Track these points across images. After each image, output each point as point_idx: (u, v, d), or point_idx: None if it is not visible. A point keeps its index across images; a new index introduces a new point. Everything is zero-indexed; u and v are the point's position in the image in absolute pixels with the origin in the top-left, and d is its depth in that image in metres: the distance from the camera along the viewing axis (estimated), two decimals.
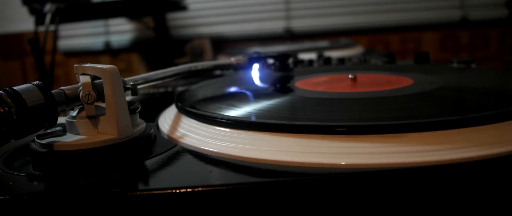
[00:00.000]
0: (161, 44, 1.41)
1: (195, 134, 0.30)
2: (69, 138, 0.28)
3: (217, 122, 0.30)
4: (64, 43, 1.59)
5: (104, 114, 0.28)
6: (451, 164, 0.22)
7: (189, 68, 0.41)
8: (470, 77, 0.43)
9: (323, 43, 1.08)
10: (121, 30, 1.58)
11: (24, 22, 1.48)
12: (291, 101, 0.36)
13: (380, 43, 1.48)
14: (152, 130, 0.31)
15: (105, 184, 0.24)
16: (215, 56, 1.01)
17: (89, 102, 0.28)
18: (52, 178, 0.25)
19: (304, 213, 0.22)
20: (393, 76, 0.43)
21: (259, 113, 0.31)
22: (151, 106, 0.47)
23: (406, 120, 0.25)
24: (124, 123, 0.28)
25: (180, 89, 0.55)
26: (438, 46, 1.47)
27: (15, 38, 1.63)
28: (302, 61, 0.70)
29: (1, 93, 0.24)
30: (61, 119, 0.29)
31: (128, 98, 0.33)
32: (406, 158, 0.23)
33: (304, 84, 0.43)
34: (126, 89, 0.31)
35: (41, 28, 1.06)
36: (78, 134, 0.28)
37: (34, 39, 1.01)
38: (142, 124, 0.31)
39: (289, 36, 1.49)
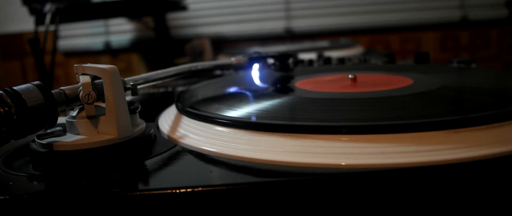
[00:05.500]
0: (161, 44, 1.41)
1: (195, 134, 0.30)
2: (69, 138, 0.28)
3: (217, 122, 0.30)
4: (64, 43, 1.59)
5: (104, 114, 0.28)
6: (451, 164, 0.22)
7: (189, 68, 0.41)
8: (470, 77, 0.43)
9: (323, 43, 1.08)
10: (121, 30, 1.58)
11: (24, 22, 1.48)
12: (291, 101, 0.36)
13: (380, 43, 1.48)
14: (152, 130, 0.31)
15: (105, 184, 0.24)
16: (215, 56, 1.01)
17: (89, 102, 0.28)
18: (52, 178, 0.25)
19: (304, 213, 0.22)
20: (393, 76, 0.43)
21: (259, 113, 0.31)
22: (151, 106, 0.47)
23: (406, 120, 0.25)
24: (124, 123, 0.28)
25: (180, 89, 0.55)
26: (438, 46, 1.47)
27: (15, 38, 1.63)
28: (302, 61, 0.70)
29: (1, 93, 0.24)
30: (61, 119, 0.29)
31: (128, 98, 0.33)
32: (406, 158, 0.23)
33: (304, 84, 0.43)
34: (126, 89, 0.31)
35: (41, 28, 1.06)
36: (78, 134, 0.28)
37: (34, 39, 1.01)
38: (142, 124, 0.31)
39: (289, 36, 1.49)
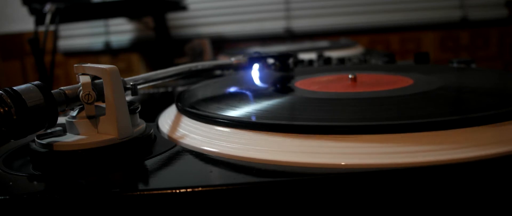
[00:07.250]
0: (161, 44, 1.41)
1: (195, 134, 0.30)
2: (69, 138, 0.28)
3: (217, 122, 0.30)
4: (64, 43, 1.59)
5: (104, 114, 0.28)
6: (451, 164, 0.22)
7: (189, 68, 0.41)
8: (470, 77, 0.43)
9: (323, 43, 1.08)
10: (121, 30, 1.58)
11: (24, 22, 1.48)
12: (291, 101, 0.36)
13: (380, 43, 1.48)
14: (152, 130, 0.31)
15: (105, 184, 0.24)
16: (215, 56, 1.01)
17: (89, 102, 0.28)
18: (52, 178, 0.25)
19: (304, 213, 0.22)
20: (393, 76, 0.43)
21: (259, 113, 0.31)
22: (151, 106, 0.47)
23: (406, 120, 0.25)
24: (124, 123, 0.28)
25: (180, 89, 0.55)
26: (438, 46, 1.47)
27: (15, 38, 1.63)
28: (302, 61, 0.70)
29: (1, 93, 0.24)
30: (61, 119, 0.29)
31: (128, 98, 0.33)
32: (406, 158, 0.23)
33: (304, 84, 0.43)
34: (126, 89, 0.31)
35: (41, 28, 1.06)
36: (78, 134, 0.28)
37: (34, 39, 1.01)
38: (142, 124, 0.31)
39: (289, 36, 1.49)
